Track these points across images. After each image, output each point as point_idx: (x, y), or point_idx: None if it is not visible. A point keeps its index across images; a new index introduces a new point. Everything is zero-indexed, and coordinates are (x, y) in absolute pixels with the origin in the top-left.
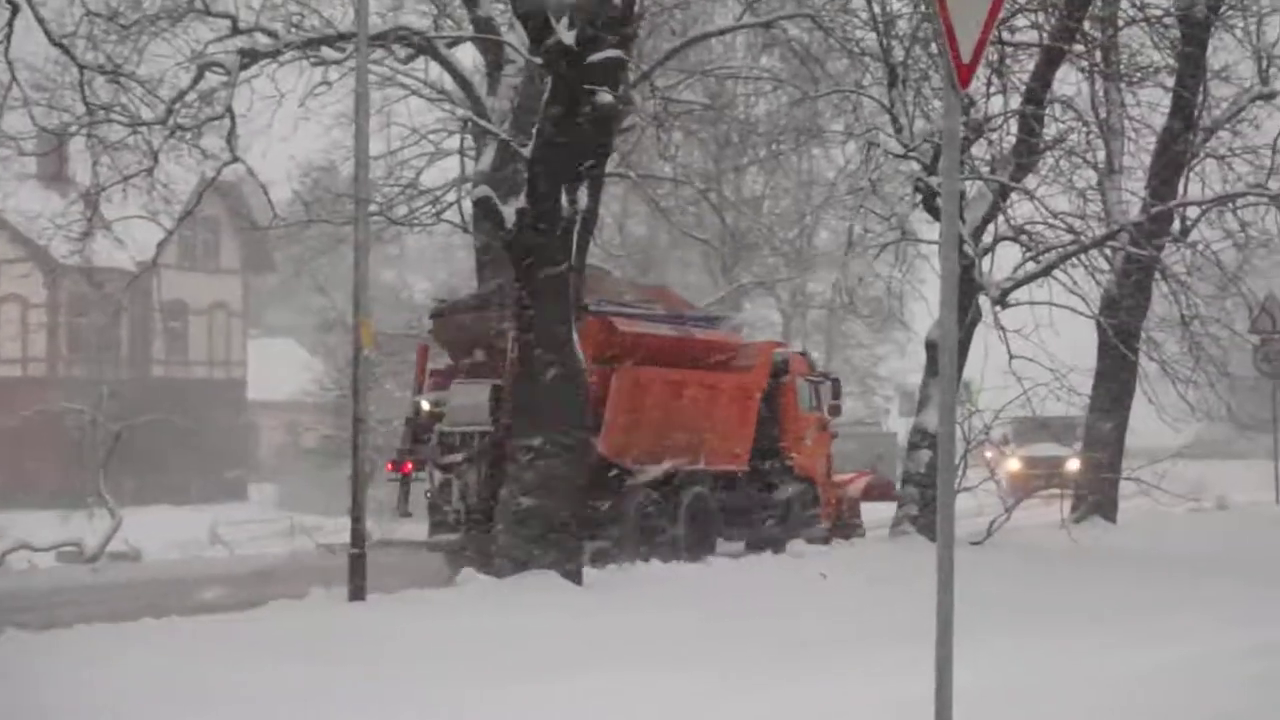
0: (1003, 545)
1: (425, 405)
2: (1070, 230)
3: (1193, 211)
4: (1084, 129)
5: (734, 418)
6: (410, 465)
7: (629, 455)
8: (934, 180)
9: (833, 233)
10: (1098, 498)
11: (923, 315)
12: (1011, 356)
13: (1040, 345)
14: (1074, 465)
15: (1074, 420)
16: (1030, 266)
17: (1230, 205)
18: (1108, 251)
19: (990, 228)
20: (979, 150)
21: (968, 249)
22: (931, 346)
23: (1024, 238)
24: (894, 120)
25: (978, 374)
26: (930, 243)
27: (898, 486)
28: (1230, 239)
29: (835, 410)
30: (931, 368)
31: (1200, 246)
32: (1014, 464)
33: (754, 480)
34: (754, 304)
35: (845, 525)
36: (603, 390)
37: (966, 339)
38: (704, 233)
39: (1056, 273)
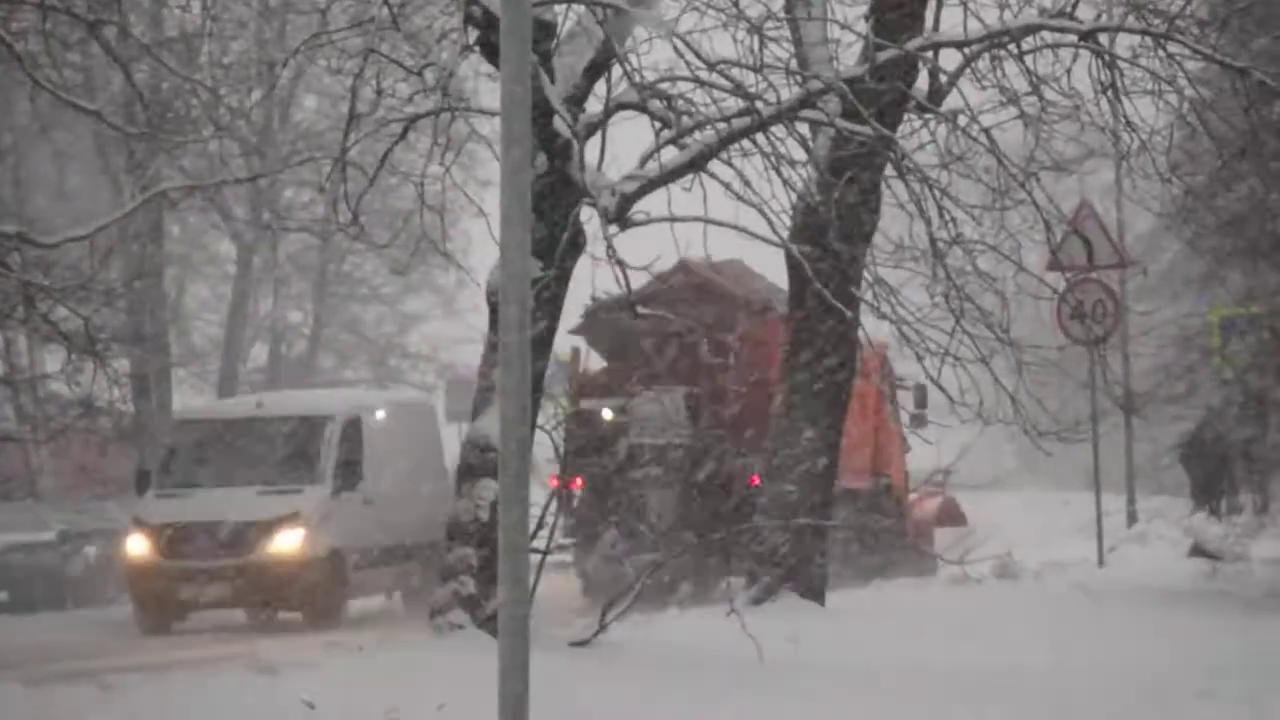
0: (621, 650)
1: (608, 414)
2: (739, 92)
3: (949, 60)
4: None
5: (865, 430)
6: (579, 481)
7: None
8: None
9: (324, 98)
10: (792, 558)
11: (485, 244)
12: (636, 314)
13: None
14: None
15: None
16: (670, 155)
17: (1011, 48)
18: (803, 130)
19: (600, 87)
20: None
21: (559, 125)
22: (496, 299)
23: (658, 104)
24: None
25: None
26: (492, 113)
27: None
28: (1012, 105)
29: (919, 421)
30: (498, 336)
31: (964, 120)
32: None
33: (866, 501)
34: (184, 225)
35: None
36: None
37: (560, 283)
38: (94, 99)
39: (714, 165)
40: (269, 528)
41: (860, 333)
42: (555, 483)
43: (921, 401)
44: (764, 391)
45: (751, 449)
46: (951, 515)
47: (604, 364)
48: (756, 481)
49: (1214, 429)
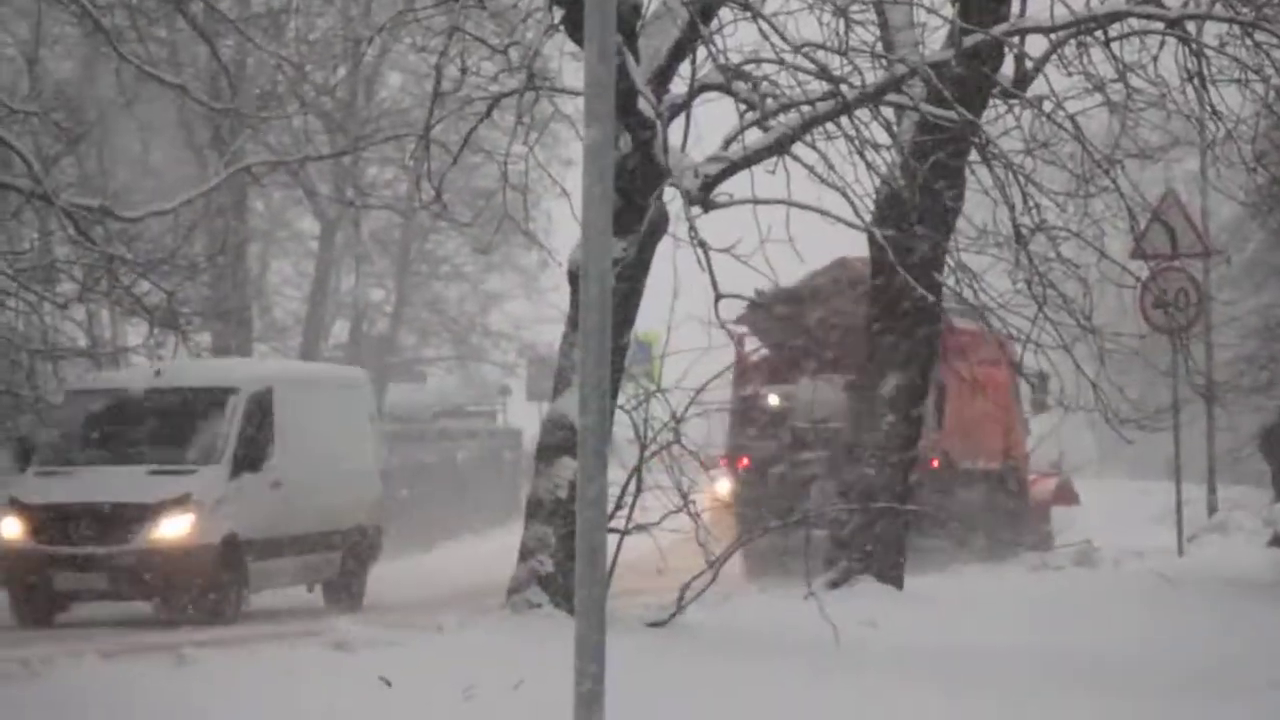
0: (698, 632)
1: (774, 400)
2: (824, 75)
3: (1035, 46)
4: None
5: (998, 415)
6: (746, 460)
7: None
8: None
9: (409, 75)
10: (872, 546)
11: (567, 224)
12: (719, 295)
13: (771, 276)
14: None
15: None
16: (754, 137)
17: (1097, 35)
18: (889, 114)
19: (684, 69)
20: None
21: (643, 106)
22: (578, 278)
23: (743, 86)
24: None
25: (663, 325)
26: (576, 93)
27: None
28: (1097, 92)
29: (1040, 405)
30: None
31: (1049, 106)
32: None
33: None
34: (268, 201)
35: (1035, 534)
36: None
37: (642, 264)
38: (179, 74)
39: (798, 148)
40: (155, 511)
41: (980, 324)
42: (724, 463)
43: (1043, 388)
44: None
45: None
46: (1066, 495)
47: (766, 353)
48: (936, 464)
49: None
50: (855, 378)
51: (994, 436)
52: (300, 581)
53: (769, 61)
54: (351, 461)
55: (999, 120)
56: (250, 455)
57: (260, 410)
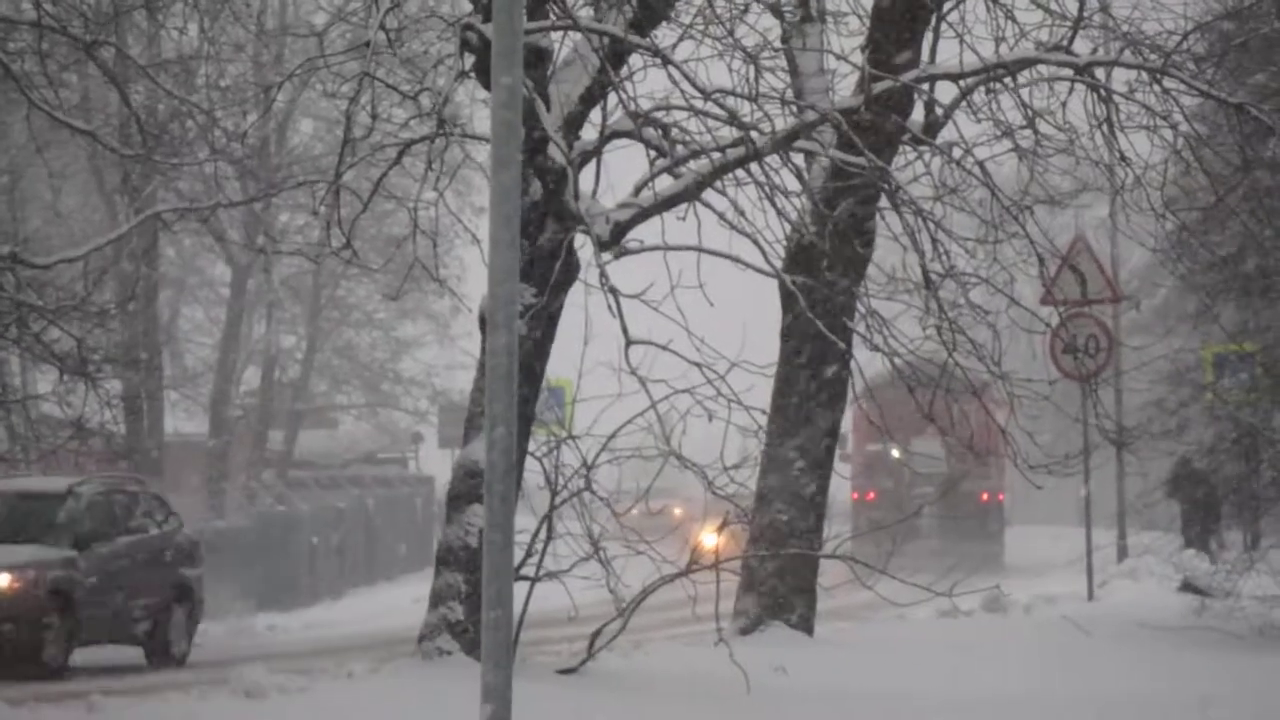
0: (609, 678)
1: (895, 453)
2: (734, 121)
3: (945, 92)
4: None
5: None
6: (873, 494)
7: None
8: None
9: (320, 121)
10: (780, 589)
11: (478, 270)
12: (629, 341)
13: (682, 322)
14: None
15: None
16: (665, 183)
17: (1007, 81)
18: (798, 160)
19: (595, 115)
20: None
21: (554, 152)
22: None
23: (653, 133)
24: None
25: (574, 371)
26: (486, 139)
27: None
28: (1007, 138)
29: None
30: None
31: (958, 152)
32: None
33: None
34: (179, 247)
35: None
36: None
37: (552, 311)
38: (90, 120)
39: (709, 194)
40: None
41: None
42: (855, 496)
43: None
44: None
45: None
46: None
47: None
48: (986, 499)
49: (1203, 460)
50: (952, 436)
51: None
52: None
53: (679, 108)
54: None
55: (909, 166)
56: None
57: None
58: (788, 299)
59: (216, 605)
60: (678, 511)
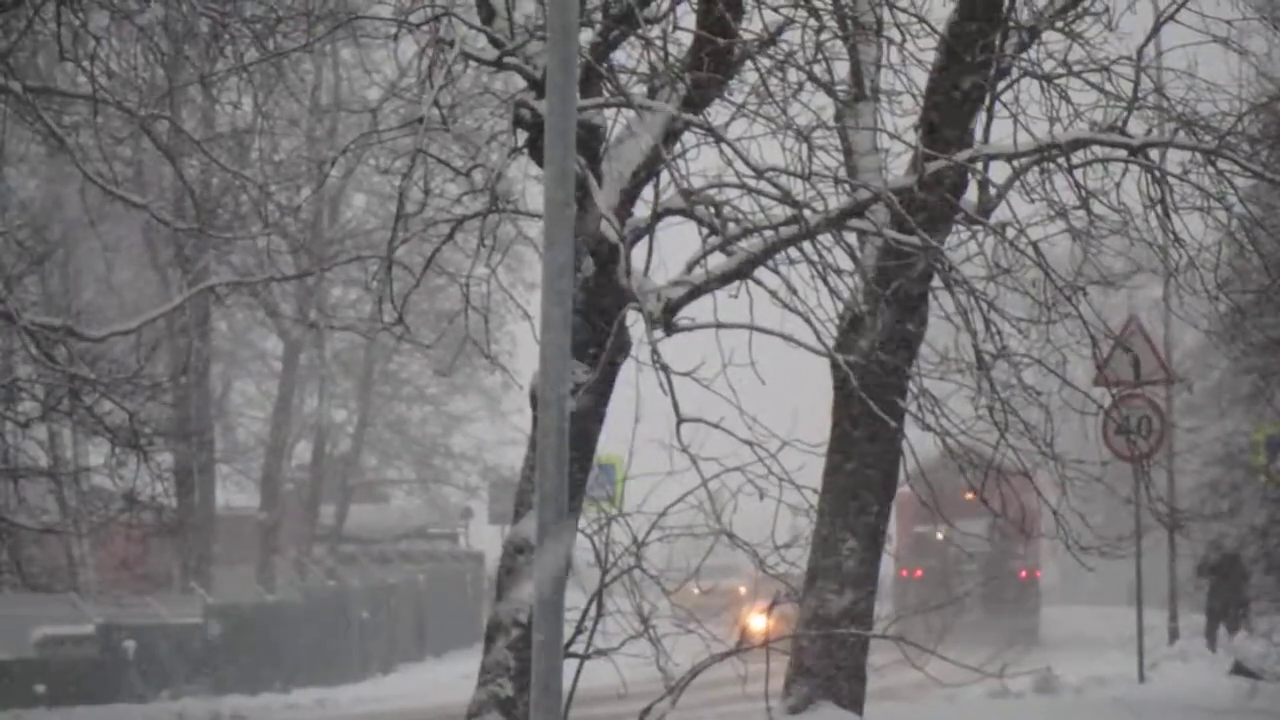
0: None
1: (940, 535)
2: (786, 199)
3: (999, 172)
4: (809, 20)
5: None
6: (920, 572)
7: None
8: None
9: (373, 196)
10: (830, 669)
11: (530, 345)
12: (680, 419)
13: (734, 400)
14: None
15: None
16: (717, 261)
17: (1060, 161)
18: (851, 239)
19: (648, 192)
20: (630, 55)
21: (606, 229)
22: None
23: (706, 211)
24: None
25: (625, 448)
26: (539, 216)
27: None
28: (1060, 219)
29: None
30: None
31: (1012, 232)
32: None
33: None
34: (231, 321)
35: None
36: None
37: (605, 387)
38: (144, 193)
39: (761, 273)
40: None
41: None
42: (904, 573)
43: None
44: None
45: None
46: None
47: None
48: (1025, 575)
49: (1234, 542)
50: (1003, 518)
51: None
52: None
53: (732, 186)
54: None
55: (962, 246)
56: None
57: None
58: (839, 379)
59: (262, 679)
60: (742, 590)
